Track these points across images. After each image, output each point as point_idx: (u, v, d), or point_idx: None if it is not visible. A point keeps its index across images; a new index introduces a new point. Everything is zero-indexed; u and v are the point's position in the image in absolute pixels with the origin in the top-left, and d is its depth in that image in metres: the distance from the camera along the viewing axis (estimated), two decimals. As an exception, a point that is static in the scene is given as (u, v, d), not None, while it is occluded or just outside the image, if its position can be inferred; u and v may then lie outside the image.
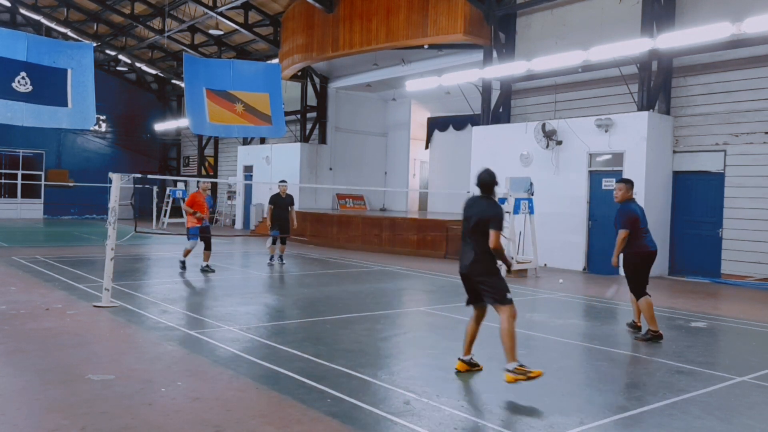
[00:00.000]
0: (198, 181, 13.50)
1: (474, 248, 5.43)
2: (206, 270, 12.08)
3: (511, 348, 5.21)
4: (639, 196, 13.14)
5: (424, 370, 5.77)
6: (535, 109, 16.39)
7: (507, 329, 5.25)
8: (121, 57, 30.54)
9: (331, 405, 4.59)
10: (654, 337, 7.01)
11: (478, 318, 5.62)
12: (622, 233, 7.10)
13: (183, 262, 12.17)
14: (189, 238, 12.11)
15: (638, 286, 7.19)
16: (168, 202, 26.08)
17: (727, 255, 12.88)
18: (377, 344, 6.73)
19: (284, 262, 13.87)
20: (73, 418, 4.20)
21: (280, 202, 13.47)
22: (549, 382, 5.38)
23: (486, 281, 5.40)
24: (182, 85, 14.54)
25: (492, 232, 5.28)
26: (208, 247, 12.30)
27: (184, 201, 24.72)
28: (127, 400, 4.60)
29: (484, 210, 5.41)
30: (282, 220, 13.49)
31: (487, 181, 5.52)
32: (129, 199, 29.93)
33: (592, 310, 9.58)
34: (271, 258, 13.75)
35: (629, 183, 7.38)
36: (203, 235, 12.20)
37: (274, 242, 13.70)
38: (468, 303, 5.67)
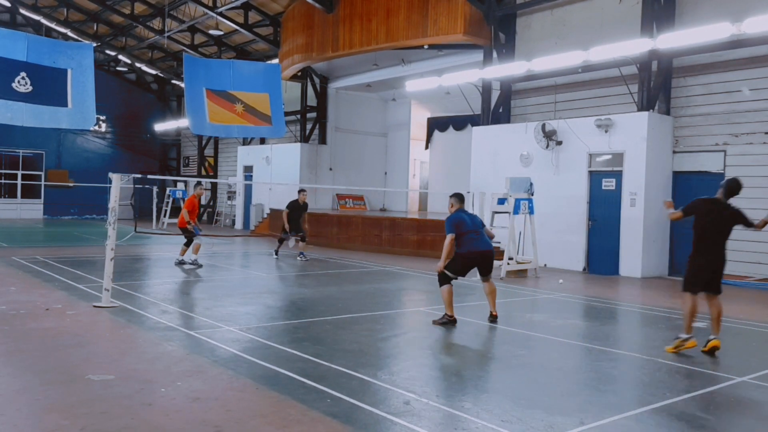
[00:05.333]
0: (197, 183, 14.30)
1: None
2: (182, 264, 12.98)
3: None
4: (639, 196, 13.22)
5: (424, 370, 5.77)
6: (535, 109, 16.39)
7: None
8: (121, 57, 30.55)
9: (331, 405, 4.59)
10: (449, 322, 7.73)
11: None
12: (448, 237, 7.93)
13: (195, 259, 12.94)
14: (196, 234, 13.10)
15: (449, 275, 7.91)
16: (168, 203, 26.08)
17: (727, 255, 12.83)
18: (377, 344, 6.73)
19: (307, 258, 14.96)
20: (73, 418, 4.20)
21: (299, 207, 14.89)
22: (549, 382, 5.38)
23: None
24: (182, 85, 14.55)
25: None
26: (188, 244, 13.25)
27: (184, 201, 24.87)
28: (127, 400, 4.59)
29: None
30: (297, 223, 14.94)
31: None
32: (129, 199, 29.92)
33: (592, 311, 9.58)
34: (301, 254, 15.01)
35: (457, 196, 8.14)
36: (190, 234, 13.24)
37: (297, 242, 15.16)
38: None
